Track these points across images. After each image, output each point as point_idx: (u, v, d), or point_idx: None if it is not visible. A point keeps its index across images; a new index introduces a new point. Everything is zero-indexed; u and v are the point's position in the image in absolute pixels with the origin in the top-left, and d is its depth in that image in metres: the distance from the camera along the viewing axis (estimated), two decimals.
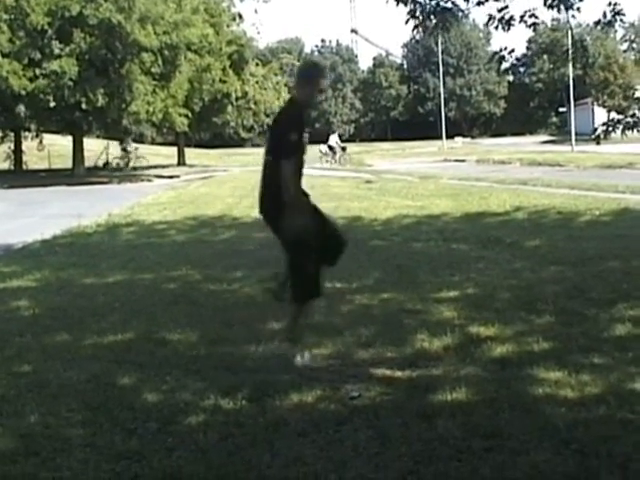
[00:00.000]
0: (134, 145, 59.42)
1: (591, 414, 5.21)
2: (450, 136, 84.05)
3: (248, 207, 21.55)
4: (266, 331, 7.71)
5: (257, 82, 62.81)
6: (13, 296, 10.22)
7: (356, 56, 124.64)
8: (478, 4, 11.93)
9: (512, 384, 5.83)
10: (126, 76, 44.02)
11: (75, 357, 7.11)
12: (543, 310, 8.11)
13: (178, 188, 34.29)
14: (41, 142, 58.65)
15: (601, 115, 72.42)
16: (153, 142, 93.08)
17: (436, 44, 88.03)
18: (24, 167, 58.40)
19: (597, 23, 12.14)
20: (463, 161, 49.19)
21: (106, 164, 61.20)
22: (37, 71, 42.11)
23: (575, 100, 67.11)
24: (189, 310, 8.82)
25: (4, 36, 41.90)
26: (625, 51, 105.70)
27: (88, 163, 55.72)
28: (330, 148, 53.33)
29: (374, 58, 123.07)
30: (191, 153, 70.18)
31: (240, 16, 60.35)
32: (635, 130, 11.51)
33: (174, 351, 7.16)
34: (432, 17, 11.93)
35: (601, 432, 4.89)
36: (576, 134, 61.16)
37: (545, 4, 11.72)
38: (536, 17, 11.94)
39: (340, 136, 57.70)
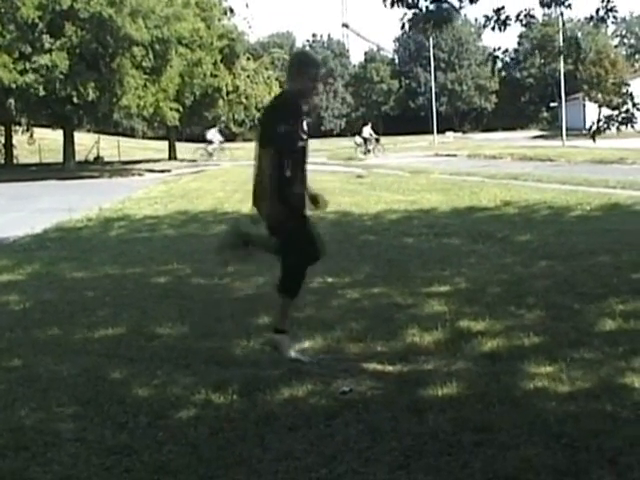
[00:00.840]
0: (218, 136, 58.75)
1: (581, 408, 5.22)
2: (441, 131, 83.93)
3: (239, 201, 21.53)
4: (256, 325, 7.72)
5: (248, 76, 62.67)
6: (3, 290, 10.21)
7: (347, 51, 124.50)
8: (471, 1, 11.92)
9: (502, 378, 5.84)
10: (117, 70, 43.90)
11: (65, 351, 7.11)
12: (534, 305, 8.13)
13: (169, 182, 34.23)
14: (32, 136, 58.51)
15: (592, 110, 72.61)
16: (144, 136, 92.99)
17: (427, 39, 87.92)
18: (14, 161, 58.29)
19: (590, 19, 12.15)
20: (454, 156, 49.14)
21: (97, 158, 61.07)
22: (28, 65, 41.98)
23: (566, 95, 67.11)
24: (180, 304, 8.81)
25: None
26: (616, 46, 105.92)
27: (79, 157, 55.59)
28: (364, 140, 54.55)
29: (365, 53, 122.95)
30: (182, 147, 70.02)
31: (231, 10, 60.25)
32: (629, 125, 11.53)
33: (164, 345, 7.16)
34: (428, 20, 11.93)
35: (591, 426, 4.90)
36: (567, 129, 61.17)
37: (541, 4, 11.73)
38: (532, 17, 11.96)
39: (373, 127, 58.38)
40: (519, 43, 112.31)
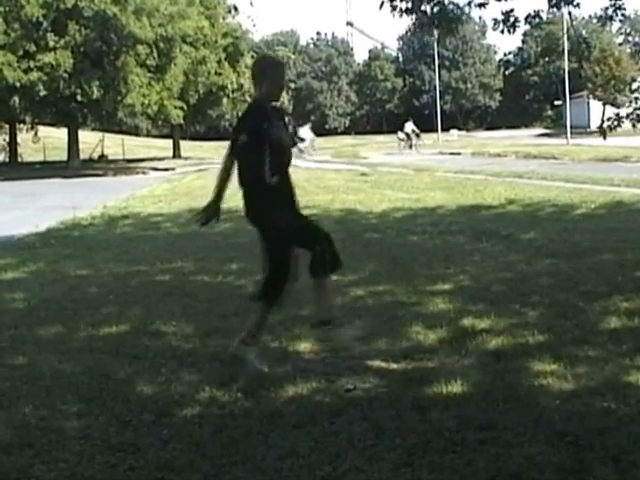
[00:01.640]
0: (311, 134, 58.83)
1: (585, 406, 5.22)
2: (445, 129, 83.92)
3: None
4: None
5: None
6: (7, 288, 10.22)
7: (352, 49, 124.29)
8: (480, 6, 11.91)
9: (506, 376, 5.84)
10: (121, 68, 43.97)
11: (70, 349, 7.11)
12: (538, 302, 8.13)
13: (173, 180, 34.26)
14: (36, 134, 58.59)
15: (597, 109, 72.59)
16: (148, 134, 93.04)
17: (431, 37, 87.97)
18: (19, 159, 58.38)
19: (599, 18, 12.14)
20: (458, 154, 49.12)
21: (101, 156, 61.13)
22: (32, 63, 42.03)
23: (571, 93, 67.01)
24: (184, 302, 8.81)
25: None
26: (621, 44, 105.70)
27: (83, 155, 55.66)
28: (407, 135, 56.61)
29: (370, 51, 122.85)
30: (186, 146, 70.09)
31: (235, 8, 60.28)
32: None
33: (169, 343, 7.16)
34: (437, 24, 11.92)
35: (595, 424, 4.90)
36: (571, 127, 61.12)
37: (550, 4, 11.71)
38: (540, 17, 11.95)
39: (415, 123, 59.79)
40: (523, 41, 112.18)
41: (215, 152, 69.36)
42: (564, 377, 5.77)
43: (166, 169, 47.10)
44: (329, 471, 4.48)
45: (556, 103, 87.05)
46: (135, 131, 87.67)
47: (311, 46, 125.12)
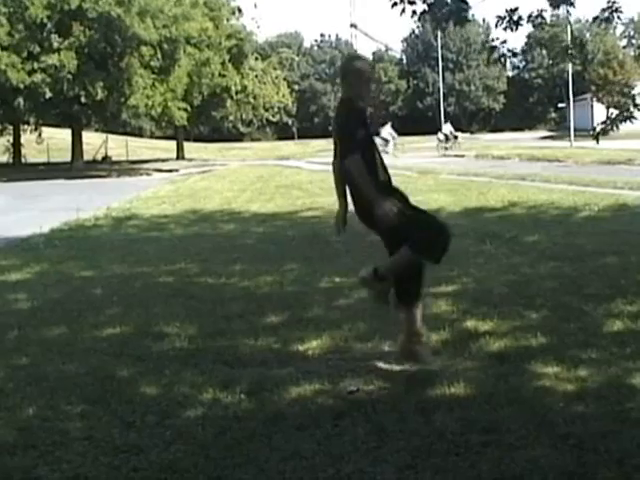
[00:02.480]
0: (393, 133, 59.78)
1: (589, 409, 5.22)
2: (441, 131, 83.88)
3: (247, 201, 21.61)
4: (264, 325, 7.72)
5: (256, 76, 62.76)
6: (12, 289, 10.24)
7: (355, 51, 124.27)
8: None
9: (510, 379, 5.84)
10: (125, 69, 44.02)
11: (73, 350, 7.12)
12: (541, 305, 8.12)
13: (177, 182, 34.29)
14: (40, 135, 58.63)
15: (600, 111, 72.48)
16: (152, 136, 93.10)
17: (435, 39, 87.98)
18: (23, 160, 58.43)
19: (595, 19, 12.16)
20: (462, 156, 49.09)
21: (105, 158, 61.20)
22: (36, 64, 42.08)
23: (574, 96, 67.01)
24: (187, 303, 8.82)
25: (3, 29, 41.91)
26: (624, 47, 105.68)
27: (87, 157, 55.73)
28: (445, 136, 58.09)
29: (373, 53, 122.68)
30: (190, 147, 70.16)
31: (239, 10, 60.34)
32: (629, 121, 11.54)
33: (172, 344, 7.17)
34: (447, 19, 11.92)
35: (599, 427, 4.90)
36: (575, 130, 61.05)
37: (550, 5, 11.71)
38: (543, 17, 11.96)
39: (453, 124, 61.52)
40: (527, 44, 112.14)
41: (219, 153, 69.69)
42: (567, 380, 5.78)
43: (170, 170, 47.16)
44: (332, 473, 4.49)
45: (560, 106, 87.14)
46: (139, 132, 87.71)
47: (315, 48, 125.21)
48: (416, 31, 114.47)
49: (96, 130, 72.77)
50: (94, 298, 9.40)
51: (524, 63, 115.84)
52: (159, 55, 45.33)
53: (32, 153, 60.88)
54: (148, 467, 4.64)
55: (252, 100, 62.50)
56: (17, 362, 6.84)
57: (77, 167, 49.16)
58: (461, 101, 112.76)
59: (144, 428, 5.21)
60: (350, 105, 6.46)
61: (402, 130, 65.92)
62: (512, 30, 11.77)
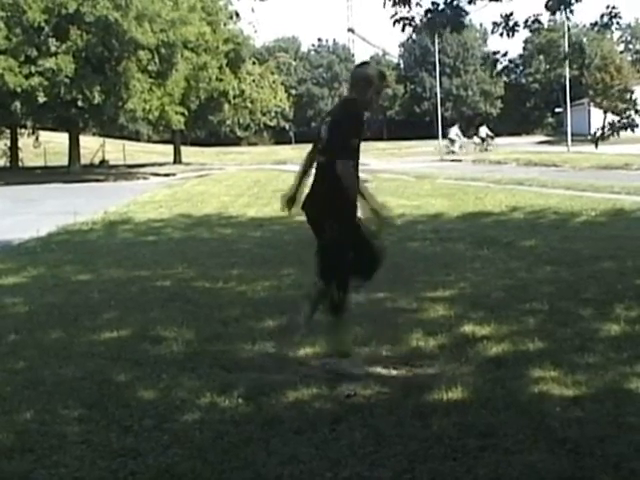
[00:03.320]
0: (460, 134, 60.93)
1: (586, 414, 5.23)
2: (446, 136, 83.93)
3: (244, 205, 21.61)
4: (262, 329, 7.72)
5: (254, 81, 62.72)
6: (8, 293, 10.23)
7: (353, 55, 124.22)
8: (470, 2, 11.91)
9: (507, 383, 5.85)
10: (123, 74, 44.00)
11: (71, 354, 7.11)
12: (538, 310, 8.14)
13: (174, 186, 34.26)
14: (37, 139, 58.65)
15: (598, 116, 72.60)
16: (149, 140, 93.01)
17: (433, 44, 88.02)
18: (20, 164, 58.39)
19: (594, 25, 12.18)
20: (459, 161, 49.14)
21: (102, 161, 61.18)
22: (33, 68, 42.07)
23: (571, 101, 66.97)
24: (185, 308, 8.82)
25: (0, 33, 41.89)
26: (622, 52, 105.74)
27: (84, 161, 55.71)
28: (482, 139, 60.82)
29: (371, 57, 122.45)
30: (187, 151, 70.12)
31: (237, 14, 60.23)
32: (629, 129, 11.59)
33: (169, 349, 7.17)
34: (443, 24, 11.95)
35: (596, 432, 4.90)
36: (572, 135, 61.08)
37: (547, 7, 11.74)
38: (540, 22, 11.98)
39: (489, 127, 63.56)
40: (524, 48, 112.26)
41: (216, 158, 69.65)
42: (564, 384, 5.78)
43: (167, 175, 47.13)
44: (330, 477, 4.49)
45: (557, 110, 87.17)
46: (136, 136, 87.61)
47: (312, 52, 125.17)
48: (413, 36, 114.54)
49: (93, 134, 72.73)
50: (91, 302, 9.39)
51: (521, 68, 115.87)
52: (156, 59, 45.32)
53: (29, 157, 60.86)
54: (145, 471, 4.64)
55: (249, 104, 62.45)
56: (14, 366, 6.83)
57: (74, 171, 49.12)
58: (458, 106, 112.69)
59: (141, 432, 5.21)
60: (354, 107, 6.48)
61: (399, 135, 66.18)
62: (508, 36, 11.80)
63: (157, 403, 5.73)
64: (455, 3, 11.78)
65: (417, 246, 13.15)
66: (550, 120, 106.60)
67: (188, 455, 4.81)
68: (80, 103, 43.62)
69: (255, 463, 4.69)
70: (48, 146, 61.97)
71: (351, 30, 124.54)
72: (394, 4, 11.77)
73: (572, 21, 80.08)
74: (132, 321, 8.28)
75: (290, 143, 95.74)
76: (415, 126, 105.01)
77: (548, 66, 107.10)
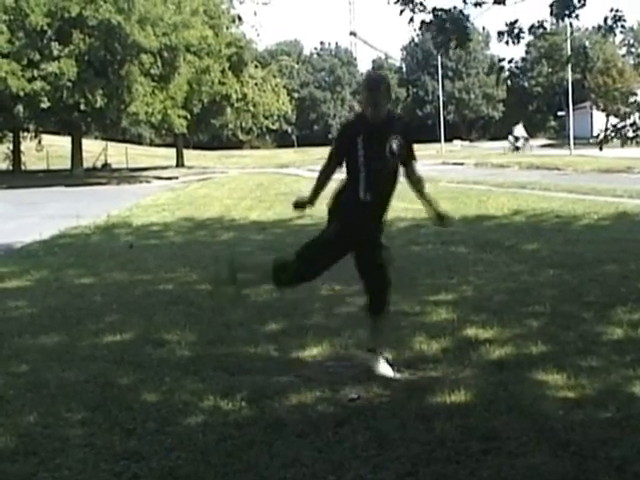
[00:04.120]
0: (524, 132, 62.68)
1: (589, 417, 5.23)
2: (449, 139, 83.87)
3: (246, 209, 21.62)
4: (265, 332, 7.73)
5: (256, 84, 62.67)
6: (11, 296, 10.23)
7: (355, 59, 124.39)
8: (476, 5, 11.90)
9: (510, 386, 5.85)
10: (125, 77, 44.01)
11: (73, 357, 7.12)
12: (541, 313, 8.14)
13: (177, 189, 34.29)
14: (40, 143, 58.60)
15: (600, 119, 72.48)
16: (152, 143, 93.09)
17: (435, 47, 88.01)
18: (23, 167, 58.40)
19: (599, 28, 12.17)
20: (462, 164, 49.05)
21: (105, 165, 61.20)
22: (36, 72, 42.09)
23: (574, 104, 66.93)
24: (187, 311, 8.82)
25: (3, 37, 41.89)
26: (624, 55, 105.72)
27: (86, 164, 55.74)
28: (516, 139, 61.57)
29: (373, 61, 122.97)
30: (189, 155, 70.14)
31: (239, 18, 60.21)
32: (635, 142, 11.56)
33: (172, 352, 7.18)
34: (451, 38, 11.94)
35: (599, 435, 4.90)
36: (575, 138, 61.05)
37: (551, 14, 11.73)
38: (544, 28, 11.98)
39: (525, 127, 64.57)
40: (527, 52, 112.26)
41: (218, 161, 69.69)
42: (567, 387, 5.79)
43: (169, 178, 47.14)
44: None
45: (559, 114, 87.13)
46: (138, 140, 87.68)
47: (315, 56, 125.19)
48: (416, 39, 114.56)
49: (96, 138, 72.76)
50: (94, 305, 9.40)
51: (524, 71, 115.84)
52: (159, 63, 45.32)
53: (32, 160, 60.84)
54: (149, 474, 4.64)
55: (252, 108, 62.39)
56: (17, 369, 6.84)
57: (77, 174, 49.15)
58: (460, 109, 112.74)
59: (144, 435, 5.21)
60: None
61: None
62: (514, 43, 11.79)
63: (160, 406, 5.73)
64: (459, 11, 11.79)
65: (420, 249, 13.15)
66: (552, 123, 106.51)
67: (191, 458, 4.81)
68: (83, 107, 43.64)
69: (258, 466, 4.69)
70: (51, 150, 61.99)
71: (353, 33, 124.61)
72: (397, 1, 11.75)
73: (575, 25, 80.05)
74: (135, 324, 8.29)
75: (292, 146, 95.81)
76: (417, 129, 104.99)
77: (550, 69, 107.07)
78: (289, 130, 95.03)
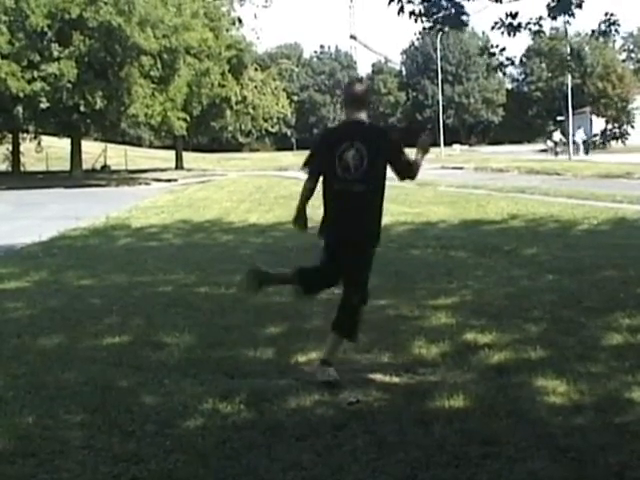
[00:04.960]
0: (559, 135, 64.61)
1: (588, 422, 5.23)
2: (448, 143, 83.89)
3: (245, 211, 21.62)
4: (263, 335, 7.73)
5: (256, 87, 62.72)
6: (10, 297, 10.23)
7: (355, 62, 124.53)
8: None
9: (509, 391, 5.85)
10: (125, 79, 44.06)
11: (72, 359, 7.12)
12: (540, 318, 8.14)
13: (176, 192, 34.29)
14: (39, 144, 58.60)
15: (599, 125, 72.65)
16: (151, 145, 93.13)
17: (435, 51, 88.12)
18: (22, 169, 58.39)
19: (592, 33, 12.23)
20: (461, 168, 49.06)
21: (104, 167, 61.19)
22: (36, 73, 42.10)
23: (573, 109, 66.95)
24: (186, 313, 8.82)
25: (3, 38, 41.92)
26: (624, 61, 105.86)
27: (86, 166, 55.73)
28: (555, 143, 63.94)
29: (373, 64, 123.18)
30: (189, 157, 70.13)
31: (240, 21, 60.25)
32: (620, 140, 11.64)
33: (171, 354, 7.17)
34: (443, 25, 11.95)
35: (598, 440, 4.90)
36: (574, 143, 61.18)
37: (549, 15, 11.76)
38: (540, 25, 12.00)
39: (563, 132, 65.42)
40: (527, 57, 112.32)
41: (217, 164, 69.65)
42: (567, 392, 5.79)
43: (169, 180, 47.14)
44: None
45: (559, 119, 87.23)
46: (138, 142, 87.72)
47: (314, 59, 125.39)
48: (415, 43, 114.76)
49: (95, 139, 72.74)
50: (93, 307, 9.40)
51: (523, 76, 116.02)
52: (159, 65, 45.37)
53: (31, 162, 60.83)
54: (147, 476, 4.64)
55: (251, 110, 62.44)
56: (16, 371, 6.83)
57: (76, 176, 49.14)
58: (460, 113, 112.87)
59: (143, 437, 5.21)
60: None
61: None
62: (510, 35, 11.80)
63: (159, 408, 5.73)
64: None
65: (419, 254, 13.15)
66: (552, 128, 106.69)
67: (190, 461, 4.81)
68: (82, 108, 43.66)
69: (257, 469, 4.69)
70: (50, 151, 61.94)
71: (353, 37, 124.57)
72: None
73: (574, 29, 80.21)
74: (134, 326, 8.29)
75: (292, 149, 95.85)
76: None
77: (550, 74, 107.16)
78: (288, 133, 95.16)
